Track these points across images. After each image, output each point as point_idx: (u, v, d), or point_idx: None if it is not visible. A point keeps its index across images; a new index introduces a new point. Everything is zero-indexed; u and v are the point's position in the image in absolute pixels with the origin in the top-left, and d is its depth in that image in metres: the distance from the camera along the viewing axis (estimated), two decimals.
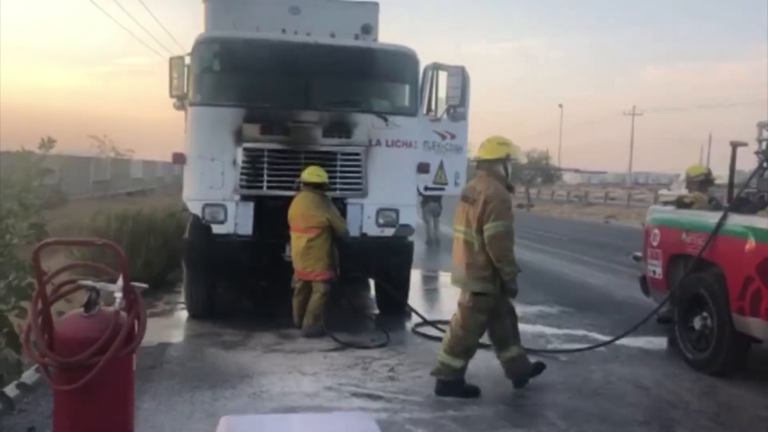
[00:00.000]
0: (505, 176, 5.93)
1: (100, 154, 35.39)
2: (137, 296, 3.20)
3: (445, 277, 12.40)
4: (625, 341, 7.84)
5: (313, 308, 7.53)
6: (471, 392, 5.75)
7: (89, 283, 3.20)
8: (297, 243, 7.53)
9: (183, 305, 8.66)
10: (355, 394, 5.68)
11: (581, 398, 5.82)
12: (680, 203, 7.87)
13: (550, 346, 7.56)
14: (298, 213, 7.51)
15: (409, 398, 5.62)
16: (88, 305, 3.15)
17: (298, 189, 7.61)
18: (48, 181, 24.36)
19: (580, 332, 8.31)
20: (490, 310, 5.78)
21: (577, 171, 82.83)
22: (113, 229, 10.21)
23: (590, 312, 9.58)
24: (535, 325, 8.58)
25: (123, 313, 3.13)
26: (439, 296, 10.97)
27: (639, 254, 8.54)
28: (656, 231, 7.80)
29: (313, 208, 7.46)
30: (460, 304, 5.86)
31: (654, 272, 7.79)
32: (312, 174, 7.56)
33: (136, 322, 3.12)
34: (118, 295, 3.09)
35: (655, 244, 7.78)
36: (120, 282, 3.12)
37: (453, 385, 5.75)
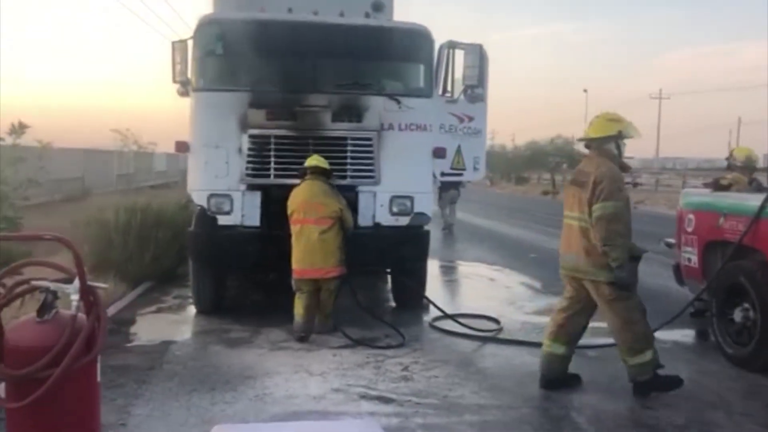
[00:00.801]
0: (618, 155, 5.54)
1: (123, 148, 35.29)
2: (97, 297, 2.80)
3: (464, 267, 11.95)
4: (657, 334, 7.32)
5: (325, 307, 7.03)
6: (673, 383, 5.37)
7: (43, 283, 2.80)
8: (305, 237, 6.84)
9: (192, 300, 8.30)
10: (365, 397, 5.25)
11: (611, 399, 5.34)
12: (717, 185, 7.30)
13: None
14: (307, 202, 6.87)
15: (423, 401, 5.17)
16: (42, 309, 2.75)
17: (303, 176, 7.07)
18: (72, 174, 23.98)
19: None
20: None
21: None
22: (122, 223, 9.88)
23: None
24: None
25: (82, 317, 2.73)
26: (458, 288, 10.44)
27: (671, 240, 7.97)
28: (691, 216, 7.24)
29: (324, 196, 6.89)
30: (604, 302, 5.43)
31: (689, 260, 7.24)
32: (320, 159, 7.08)
33: (96, 327, 2.71)
34: (75, 297, 2.69)
35: (689, 230, 7.23)
36: (76, 282, 2.71)
37: (652, 381, 5.35)
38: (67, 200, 23.62)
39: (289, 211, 6.94)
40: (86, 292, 2.74)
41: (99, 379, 2.80)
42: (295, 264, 6.88)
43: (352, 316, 7.29)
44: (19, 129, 4.63)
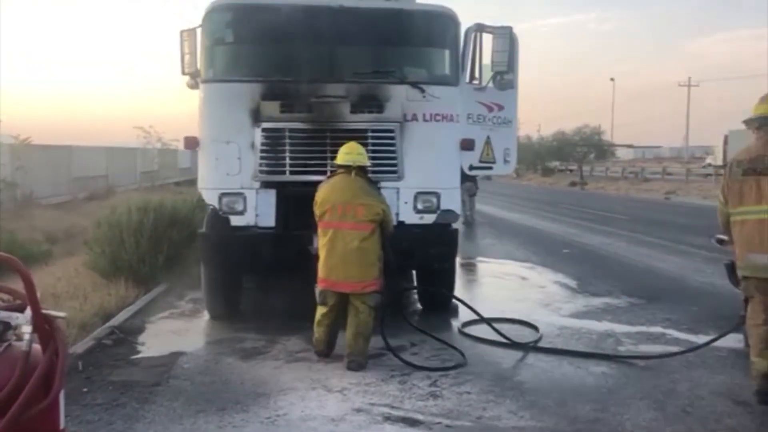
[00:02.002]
0: None
1: (146, 145, 35.20)
2: (54, 327, 2.28)
3: (493, 265, 11.35)
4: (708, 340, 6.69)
5: (364, 329, 5.83)
6: None
7: None
8: (341, 243, 5.79)
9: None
10: (389, 418, 4.69)
11: (666, 419, 4.72)
12: None
13: (621, 349, 6.45)
14: (347, 203, 5.81)
15: (455, 423, 4.60)
16: None
17: (332, 173, 6.21)
18: (96, 172, 23.83)
19: (656, 329, 7.17)
20: None
21: (630, 146, 79.98)
22: (134, 223, 9.45)
23: (663, 303, 8.40)
24: (602, 322, 7.47)
25: (37, 352, 2.22)
26: (487, 288, 9.82)
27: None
28: None
29: (366, 195, 5.90)
30: None
31: None
32: (359, 154, 6.03)
33: (54, 364, 2.21)
34: (27, 329, 2.19)
35: None
36: (28, 311, 2.21)
37: None
38: (90, 198, 23.48)
39: (318, 212, 5.95)
40: (41, 321, 2.24)
41: (63, 426, 2.29)
42: (325, 273, 5.87)
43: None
44: None
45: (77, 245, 12.59)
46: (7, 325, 2.27)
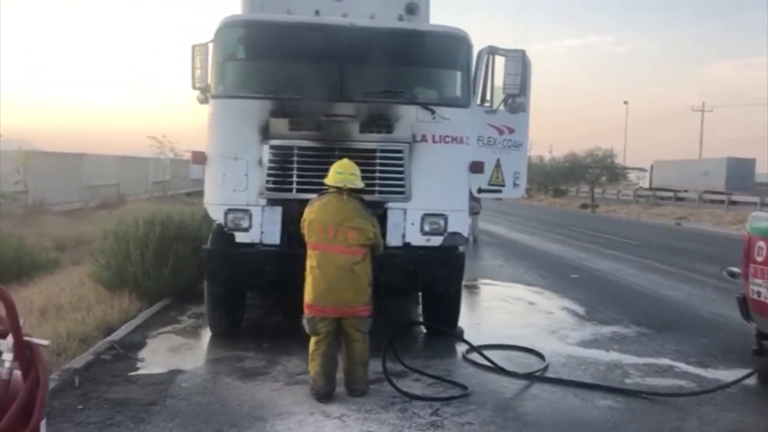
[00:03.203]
0: None
1: (159, 155, 35.37)
2: (36, 355, 2.21)
3: (500, 288, 11.22)
4: (719, 375, 6.57)
5: (361, 356, 5.63)
6: None
7: None
8: (330, 268, 5.52)
9: None
10: None
11: None
12: None
13: (629, 381, 6.31)
14: (337, 225, 5.56)
15: None
16: None
17: (323, 192, 5.94)
18: (107, 181, 23.85)
19: (664, 361, 7.02)
20: None
21: (642, 170, 79.66)
22: (140, 235, 9.41)
23: (672, 334, 8.24)
24: (610, 352, 7.33)
25: (17, 377, 2.14)
26: (494, 312, 9.65)
27: (736, 270, 7.15)
28: (762, 244, 6.44)
29: (359, 218, 5.64)
30: None
31: (758, 294, 6.44)
32: (351, 174, 5.74)
33: (35, 392, 2.13)
34: (7, 356, 2.11)
35: (759, 259, 6.42)
36: (9, 338, 2.13)
37: None
38: (101, 207, 23.54)
39: (306, 232, 5.73)
40: (23, 349, 2.16)
41: None
42: (312, 299, 5.56)
43: (379, 348, 6.34)
44: None
45: (84, 254, 12.57)
46: None
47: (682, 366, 6.87)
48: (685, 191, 43.61)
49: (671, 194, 45.10)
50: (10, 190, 16.77)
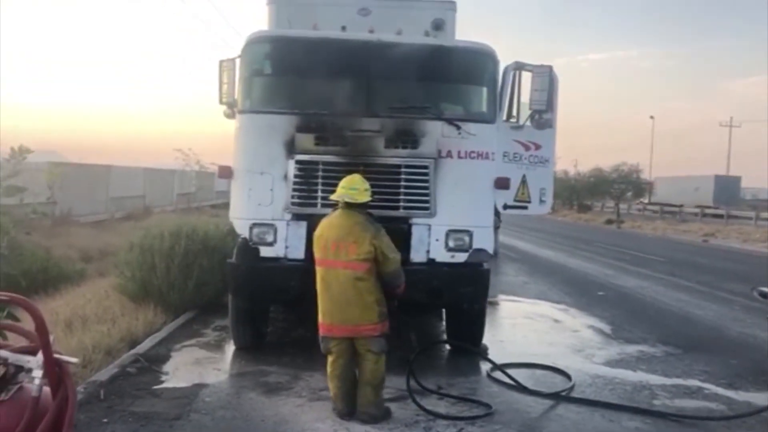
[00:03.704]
0: None
1: (184, 167, 35.76)
2: (65, 373, 2.21)
3: (525, 305, 11.11)
4: (750, 397, 6.44)
5: (372, 378, 5.40)
6: None
7: (1, 353, 2.23)
8: (334, 284, 5.43)
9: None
10: None
11: None
12: None
13: (656, 402, 6.20)
14: (338, 240, 5.43)
15: None
16: None
17: (334, 207, 5.81)
18: (133, 192, 24.05)
19: (692, 383, 6.89)
20: None
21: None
22: (166, 248, 9.48)
23: (701, 354, 8.10)
24: (636, 372, 7.22)
25: (47, 394, 2.15)
26: (519, 330, 9.52)
27: (766, 290, 7.01)
28: None
29: (359, 231, 5.45)
30: None
31: None
32: (353, 189, 5.57)
33: (64, 409, 2.13)
34: (38, 373, 2.12)
35: None
36: (39, 355, 2.14)
37: None
38: (127, 218, 23.80)
39: (314, 248, 5.67)
40: (53, 367, 2.17)
41: None
42: (321, 317, 5.51)
43: (400, 365, 6.26)
44: (20, 154, 4.13)
45: (110, 265, 12.69)
46: (19, 368, 2.22)
47: (712, 387, 6.74)
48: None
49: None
50: (40, 202, 17.02)
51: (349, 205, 5.54)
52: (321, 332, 5.53)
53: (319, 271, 5.57)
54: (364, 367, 5.44)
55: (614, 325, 9.57)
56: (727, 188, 49.29)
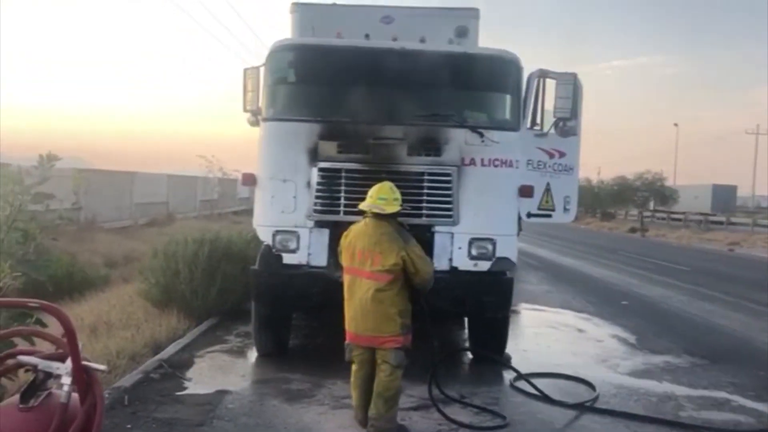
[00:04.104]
0: None
1: (208, 174, 36.09)
2: (93, 380, 2.23)
3: (548, 314, 11.03)
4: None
5: (384, 390, 5.21)
6: None
7: (31, 360, 2.25)
8: (357, 293, 5.30)
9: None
10: None
11: None
12: None
13: (682, 414, 6.11)
14: (364, 250, 5.30)
15: None
16: (27, 393, 2.21)
17: (364, 215, 5.56)
18: (157, 199, 24.22)
19: (720, 394, 6.79)
20: None
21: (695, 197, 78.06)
22: (189, 254, 9.54)
23: (728, 365, 7.98)
24: (662, 383, 7.12)
25: (75, 401, 2.16)
26: (541, 339, 9.42)
27: None
28: None
29: (388, 241, 5.28)
30: None
31: None
32: (380, 199, 5.40)
33: (92, 417, 2.14)
34: (66, 380, 2.14)
35: None
36: (68, 362, 2.16)
37: None
38: (150, 224, 24.03)
39: (342, 255, 5.59)
40: (81, 374, 2.18)
41: None
42: (347, 325, 5.42)
43: (420, 372, 6.15)
44: (48, 161, 4.17)
45: (134, 271, 12.81)
46: (48, 375, 2.24)
47: (739, 400, 6.63)
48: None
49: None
50: (66, 209, 17.23)
51: (378, 215, 5.39)
52: (347, 339, 5.43)
53: (345, 278, 5.47)
54: (378, 379, 5.26)
55: (639, 335, 9.46)
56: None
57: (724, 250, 28.98)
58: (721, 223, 42.68)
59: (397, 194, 5.46)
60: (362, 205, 5.53)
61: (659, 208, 49.97)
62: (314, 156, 6.90)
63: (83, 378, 2.19)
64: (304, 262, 6.90)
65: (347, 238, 5.50)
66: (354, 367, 5.42)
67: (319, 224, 6.90)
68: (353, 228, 5.55)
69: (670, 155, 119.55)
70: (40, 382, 2.25)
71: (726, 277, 17.59)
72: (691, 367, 7.84)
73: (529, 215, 7.62)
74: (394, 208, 5.38)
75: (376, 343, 5.25)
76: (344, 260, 5.49)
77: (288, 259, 6.91)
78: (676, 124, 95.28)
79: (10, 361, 2.42)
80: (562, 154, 7.74)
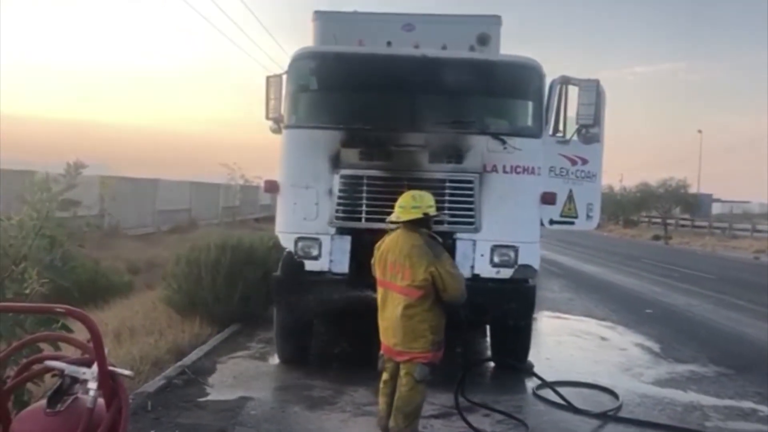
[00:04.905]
0: None
1: (230, 181, 36.36)
2: (119, 385, 2.25)
3: (571, 322, 10.94)
4: None
5: (404, 404, 5.01)
6: None
7: (58, 365, 2.28)
8: (389, 306, 5.12)
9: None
10: None
11: None
12: None
13: (709, 425, 6.02)
14: (395, 263, 5.09)
15: None
16: (54, 398, 2.23)
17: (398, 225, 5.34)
18: (180, 206, 24.40)
19: (746, 404, 6.69)
20: None
21: (717, 200, 77.17)
22: (211, 260, 9.60)
23: (754, 375, 7.86)
24: (687, 392, 7.03)
25: (101, 406, 2.18)
26: (564, 348, 9.34)
27: None
28: None
29: (416, 255, 5.00)
30: None
31: None
32: (401, 207, 5.21)
33: (117, 422, 2.16)
34: (92, 385, 2.16)
35: None
36: (94, 367, 2.18)
37: None
38: (173, 231, 24.23)
39: (375, 266, 5.38)
40: (107, 379, 2.20)
41: None
42: (381, 335, 5.24)
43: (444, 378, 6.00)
44: (75, 169, 4.22)
45: (157, 277, 12.92)
46: (74, 379, 2.26)
47: (766, 410, 6.53)
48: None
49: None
50: (92, 215, 17.45)
51: (408, 224, 5.15)
52: (381, 350, 5.26)
53: (379, 291, 5.29)
54: (399, 392, 5.05)
55: (663, 344, 9.35)
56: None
57: (749, 258, 28.60)
58: (747, 230, 42.22)
59: (419, 202, 5.19)
60: (392, 217, 5.33)
61: (683, 216, 49.60)
62: (336, 163, 6.92)
63: (109, 383, 2.21)
64: (326, 268, 6.92)
65: (380, 250, 5.31)
66: (384, 376, 5.24)
67: (341, 231, 6.92)
68: (386, 239, 5.33)
69: (695, 161, 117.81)
70: (67, 386, 2.28)
71: (752, 286, 17.35)
72: (716, 377, 7.73)
73: (552, 222, 7.56)
74: (411, 215, 5.12)
75: (404, 357, 5.04)
76: (377, 272, 5.30)
77: (310, 265, 6.93)
78: (699, 131, 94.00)
79: (37, 366, 2.46)
80: (584, 161, 7.69)
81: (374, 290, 5.69)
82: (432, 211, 5.22)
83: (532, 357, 7.55)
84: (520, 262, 6.87)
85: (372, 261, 5.42)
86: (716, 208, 75.64)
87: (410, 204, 5.18)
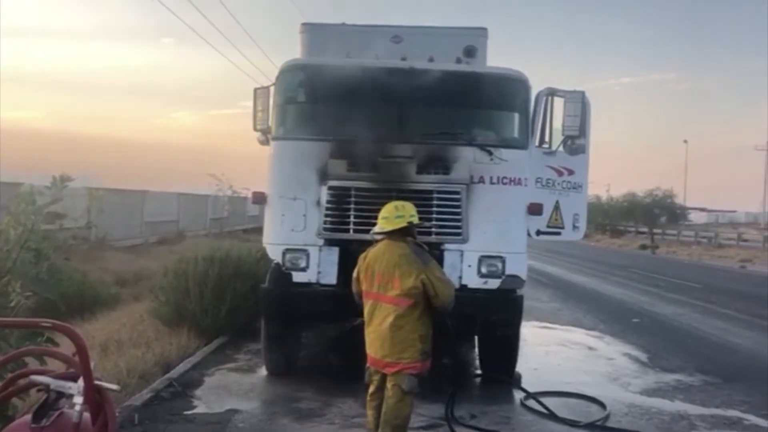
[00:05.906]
0: None
1: (217, 192, 36.24)
2: (105, 399, 2.24)
3: (558, 332, 10.98)
4: None
5: (392, 417, 4.94)
6: None
7: (43, 379, 2.27)
8: (377, 318, 5.06)
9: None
10: None
11: None
12: None
13: None
14: (384, 273, 5.04)
15: None
16: (39, 413, 2.23)
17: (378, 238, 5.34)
18: (167, 217, 24.27)
19: (733, 413, 6.73)
20: None
21: (703, 210, 77.77)
22: (199, 272, 9.56)
23: (741, 384, 7.91)
24: (674, 401, 7.07)
25: (86, 421, 2.18)
26: (552, 358, 9.36)
27: None
28: None
29: (405, 264, 4.99)
30: None
31: None
32: (383, 218, 5.20)
33: None
34: (78, 400, 2.15)
35: None
36: (80, 382, 2.18)
37: None
38: (160, 242, 24.13)
39: (359, 281, 5.30)
40: (93, 393, 2.20)
41: None
42: (367, 347, 5.17)
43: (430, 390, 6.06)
44: (60, 182, 4.21)
45: (144, 289, 12.86)
46: (60, 394, 2.25)
47: (753, 419, 6.57)
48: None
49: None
50: (79, 227, 17.31)
51: (394, 234, 5.13)
52: (368, 362, 5.19)
53: (366, 303, 5.20)
54: (386, 404, 4.98)
55: (650, 353, 9.40)
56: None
57: (735, 267, 28.81)
58: (733, 239, 42.59)
59: (402, 211, 5.18)
60: (376, 228, 5.31)
61: (669, 231, 49.83)
62: (324, 174, 6.94)
63: (95, 397, 2.21)
64: (314, 280, 6.91)
65: (365, 261, 5.25)
66: (371, 389, 5.16)
67: (329, 242, 6.92)
68: (370, 251, 5.28)
69: (681, 171, 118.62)
70: (52, 401, 2.26)
71: (738, 295, 17.47)
72: (703, 386, 7.78)
73: (539, 233, 7.60)
74: (395, 225, 5.10)
75: (393, 369, 4.96)
76: (363, 285, 5.22)
77: (298, 277, 6.92)
78: (685, 141, 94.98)
79: (22, 381, 2.44)
80: (570, 172, 7.75)
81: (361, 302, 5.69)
82: (415, 220, 5.22)
83: (520, 367, 7.57)
84: (508, 272, 6.89)
85: (354, 274, 5.36)
86: (702, 218, 76.20)
87: (393, 214, 5.17)
